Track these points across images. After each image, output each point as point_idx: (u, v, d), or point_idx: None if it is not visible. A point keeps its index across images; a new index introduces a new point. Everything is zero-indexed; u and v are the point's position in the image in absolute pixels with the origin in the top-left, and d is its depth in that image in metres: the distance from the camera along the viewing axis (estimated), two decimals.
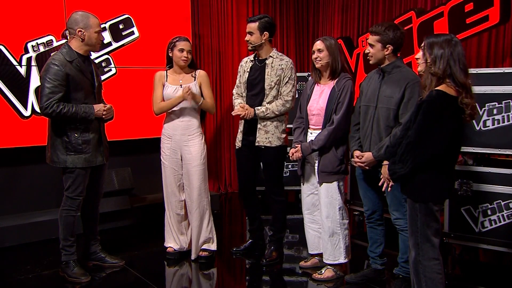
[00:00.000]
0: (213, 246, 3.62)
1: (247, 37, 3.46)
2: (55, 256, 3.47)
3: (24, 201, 4.25)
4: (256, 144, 3.48)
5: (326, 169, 3.12)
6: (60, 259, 3.27)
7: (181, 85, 3.45)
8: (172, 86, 3.45)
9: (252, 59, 3.58)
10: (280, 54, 3.52)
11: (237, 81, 3.64)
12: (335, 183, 3.13)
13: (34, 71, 4.04)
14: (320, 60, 3.12)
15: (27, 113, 4.04)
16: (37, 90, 4.05)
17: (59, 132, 3.09)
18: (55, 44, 4.13)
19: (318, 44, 3.12)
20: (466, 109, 2.29)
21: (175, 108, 3.45)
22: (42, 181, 4.29)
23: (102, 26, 4.35)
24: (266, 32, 3.44)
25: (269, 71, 3.44)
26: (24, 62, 4.00)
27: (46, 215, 4.15)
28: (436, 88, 2.29)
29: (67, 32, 3.17)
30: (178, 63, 3.45)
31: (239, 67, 3.65)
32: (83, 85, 3.11)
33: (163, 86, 3.47)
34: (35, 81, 4.05)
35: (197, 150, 3.50)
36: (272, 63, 3.45)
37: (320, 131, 3.12)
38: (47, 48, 4.10)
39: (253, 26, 3.42)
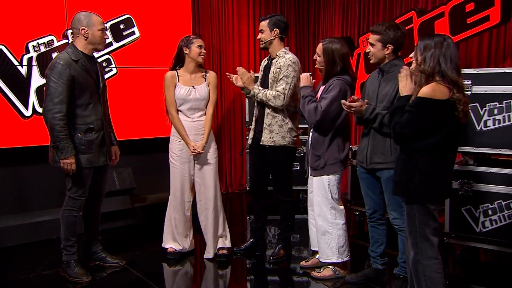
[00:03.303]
0: (228, 243, 3.66)
1: (259, 36, 3.49)
2: (56, 256, 3.47)
3: (24, 201, 4.25)
4: (261, 143, 3.49)
5: (310, 163, 3.22)
6: (61, 259, 3.27)
7: (193, 85, 3.44)
8: (185, 87, 3.43)
9: (268, 58, 3.61)
10: (285, 52, 3.49)
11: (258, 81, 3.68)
12: (324, 180, 3.14)
13: (35, 71, 4.04)
14: (318, 63, 3.19)
15: (28, 113, 4.04)
16: (39, 90, 4.06)
17: None
18: (56, 44, 4.13)
19: (318, 47, 3.18)
20: (458, 105, 2.30)
21: (185, 109, 3.45)
22: (42, 181, 4.29)
23: None
24: (276, 29, 3.44)
25: (272, 69, 3.47)
26: (25, 62, 4.00)
27: (46, 215, 4.15)
28: (418, 95, 2.33)
29: (69, 32, 3.17)
30: (197, 59, 3.43)
31: (260, 66, 3.70)
32: (88, 85, 3.11)
33: (175, 87, 3.44)
34: (36, 81, 4.05)
35: (210, 150, 3.52)
36: (277, 61, 3.46)
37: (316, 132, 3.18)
38: (48, 48, 4.10)
39: (263, 23, 3.47)
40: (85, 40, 3.11)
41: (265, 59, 3.66)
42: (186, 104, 3.44)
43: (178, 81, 3.45)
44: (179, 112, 3.48)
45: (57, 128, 2.97)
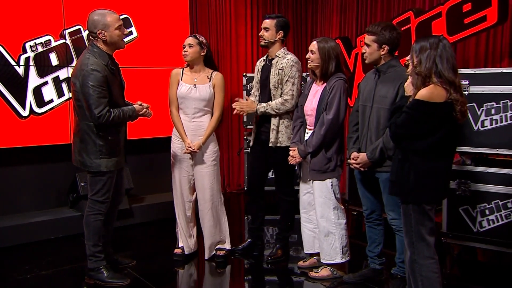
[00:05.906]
0: (227, 246, 3.65)
1: (262, 32, 3.47)
2: (54, 256, 3.47)
3: (24, 201, 4.25)
4: (270, 144, 3.46)
5: (315, 167, 3.15)
6: (87, 267, 3.16)
7: (195, 84, 3.42)
8: (186, 85, 3.42)
9: (265, 58, 3.60)
10: (285, 52, 3.49)
11: (254, 81, 3.67)
12: (327, 182, 3.14)
13: (32, 71, 4.04)
14: (311, 61, 3.16)
15: (25, 113, 4.04)
16: (36, 90, 4.05)
17: (92, 136, 3.01)
18: (53, 44, 4.13)
19: (312, 45, 3.16)
20: (456, 105, 2.30)
21: (185, 107, 3.45)
22: (42, 181, 4.29)
23: None
24: (281, 31, 3.46)
25: (273, 71, 3.45)
26: (22, 62, 4.00)
27: (46, 215, 4.15)
28: (416, 97, 2.33)
29: (87, 35, 3.12)
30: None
31: (255, 66, 3.69)
32: (115, 88, 3.07)
33: (178, 84, 3.45)
34: (33, 81, 4.04)
35: (208, 151, 3.49)
36: (276, 62, 3.45)
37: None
38: (45, 48, 4.10)
39: (270, 22, 3.44)
40: (105, 42, 3.01)
41: (261, 59, 3.65)
42: (186, 103, 3.43)
43: (181, 79, 3.45)
44: (180, 110, 3.48)
45: (116, 119, 3.00)
